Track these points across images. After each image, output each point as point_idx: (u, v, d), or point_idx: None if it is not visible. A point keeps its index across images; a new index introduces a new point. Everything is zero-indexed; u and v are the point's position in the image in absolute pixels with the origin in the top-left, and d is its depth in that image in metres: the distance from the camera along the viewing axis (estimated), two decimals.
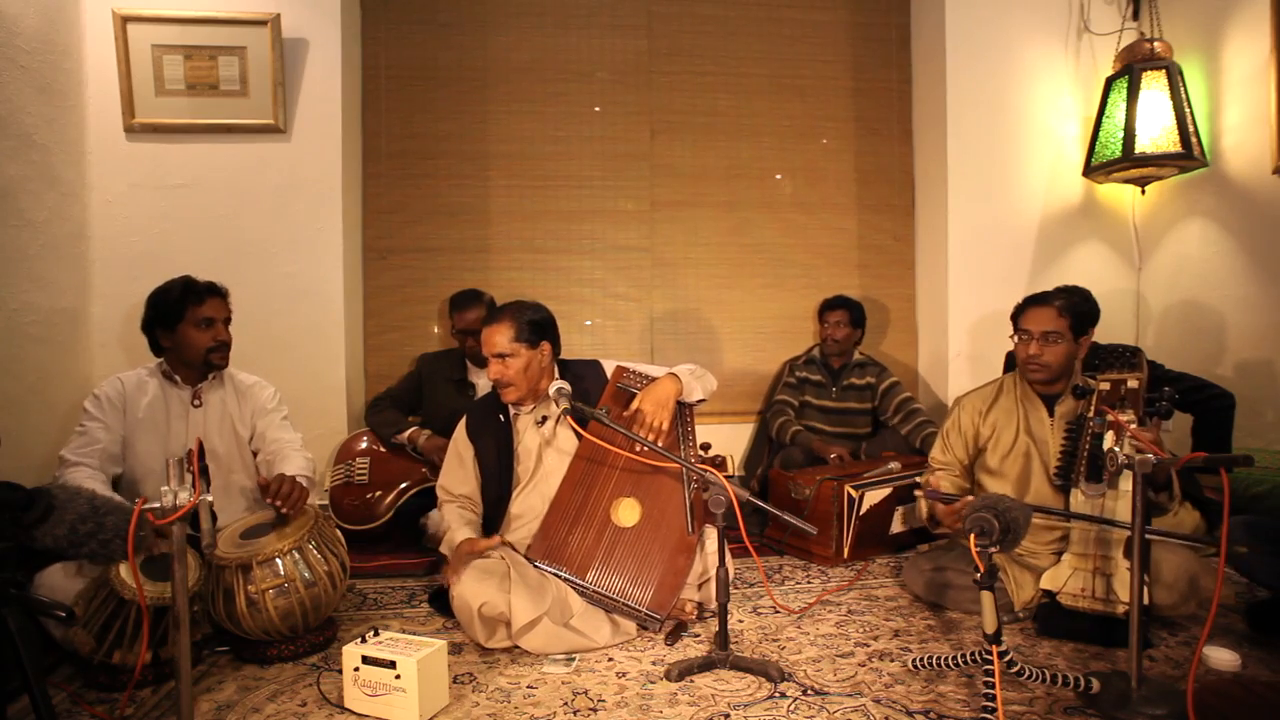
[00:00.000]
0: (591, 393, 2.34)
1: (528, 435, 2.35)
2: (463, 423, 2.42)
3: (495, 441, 2.34)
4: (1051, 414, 2.30)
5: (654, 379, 2.34)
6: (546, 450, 2.33)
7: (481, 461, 2.35)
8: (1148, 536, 1.69)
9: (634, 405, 2.28)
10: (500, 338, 2.25)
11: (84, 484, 1.97)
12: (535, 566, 2.13)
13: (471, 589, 2.03)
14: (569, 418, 2.15)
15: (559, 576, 2.12)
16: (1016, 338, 2.33)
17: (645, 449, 2.19)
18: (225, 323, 2.32)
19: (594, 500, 2.22)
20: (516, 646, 2.01)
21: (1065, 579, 2.07)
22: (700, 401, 2.39)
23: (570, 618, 2.06)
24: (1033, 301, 2.34)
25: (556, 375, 2.34)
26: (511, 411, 2.37)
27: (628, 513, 2.22)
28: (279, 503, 2.04)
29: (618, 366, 2.42)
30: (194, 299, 2.24)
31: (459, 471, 2.38)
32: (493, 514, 2.32)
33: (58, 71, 2.81)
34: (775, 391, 3.63)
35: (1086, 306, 2.47)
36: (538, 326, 2.29)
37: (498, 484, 2.32)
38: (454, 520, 2.27)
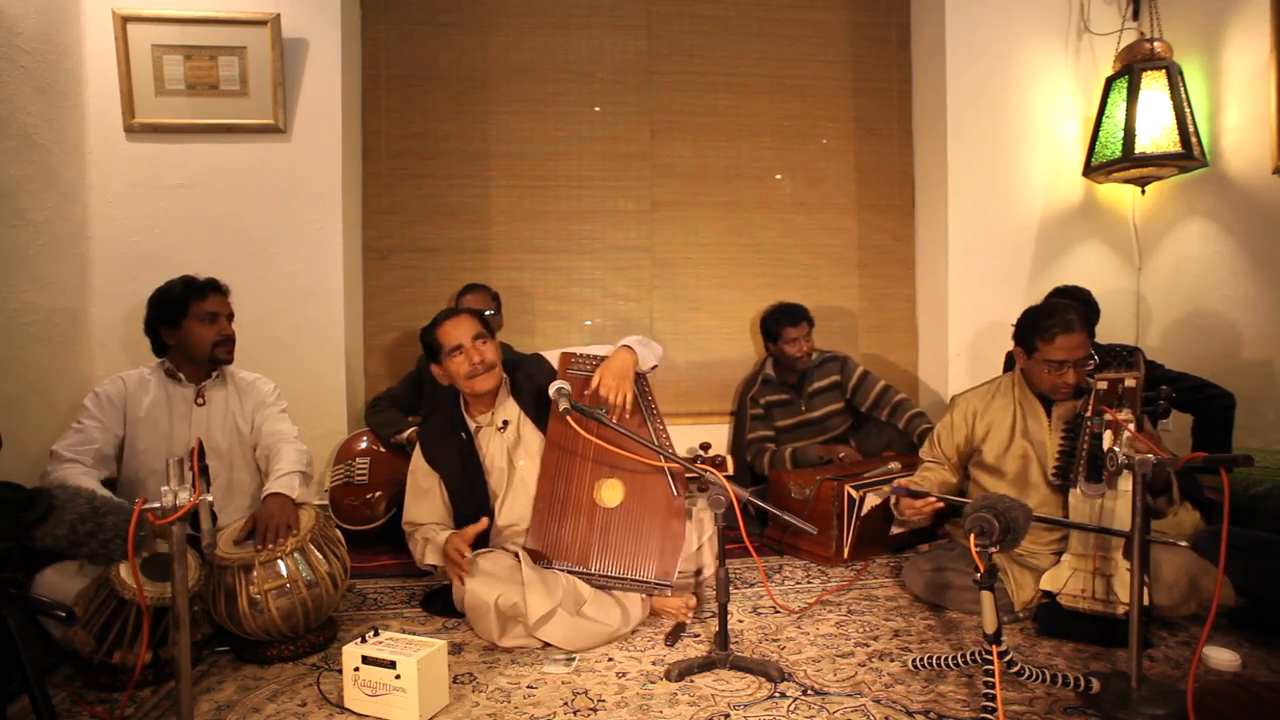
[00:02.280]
0: (544, 389, 2.28)
1: (492, 446, 2.31)
2: (418, 452, 2.35)
3: (461, 461, 2.29)
4: (1049, 414, 2.30)
5: (604, 358, 2.32)
6: (516, 453, 2.30)
7: (449, 485, 2.30)
8: (1147, 540, 1.68)
9: (594, 383, 2.24)
10: (467, 324, 2.24)
11: (80, 482, 1.97)
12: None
13: (485, 583, 2.03)
14: (569, 417, 2.13)
15: (564, 571, 2.13)
16: (1046, 368, 2.19)
17: (616, 427, 2.14)
18: (229, 318, 2.33)
19: (575, 487, 2.22)
20: (519, 647, 2.02)
21: (1065, 579, 2.07)
22: (654, 368, 2.36)
23: (583, 605, 2.07)
24: (1062, 330, 2.16)
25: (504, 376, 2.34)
26: (472, 426, 2.32)
27: (611, 492, 2.22)
28: (269, 545, 1.99)
29: (562, 354, 2.37)
30: (196, 294, 2.26)
31: (422, 503, 2.32)
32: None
33: (58, 71, 2.81)
34: (743, 429, 3.43)
35: (1095, 315, 2.42)
36: (486, 321, 2.33)
37: (473, 503, 2.27)
38: (429, 533, 2.24)
